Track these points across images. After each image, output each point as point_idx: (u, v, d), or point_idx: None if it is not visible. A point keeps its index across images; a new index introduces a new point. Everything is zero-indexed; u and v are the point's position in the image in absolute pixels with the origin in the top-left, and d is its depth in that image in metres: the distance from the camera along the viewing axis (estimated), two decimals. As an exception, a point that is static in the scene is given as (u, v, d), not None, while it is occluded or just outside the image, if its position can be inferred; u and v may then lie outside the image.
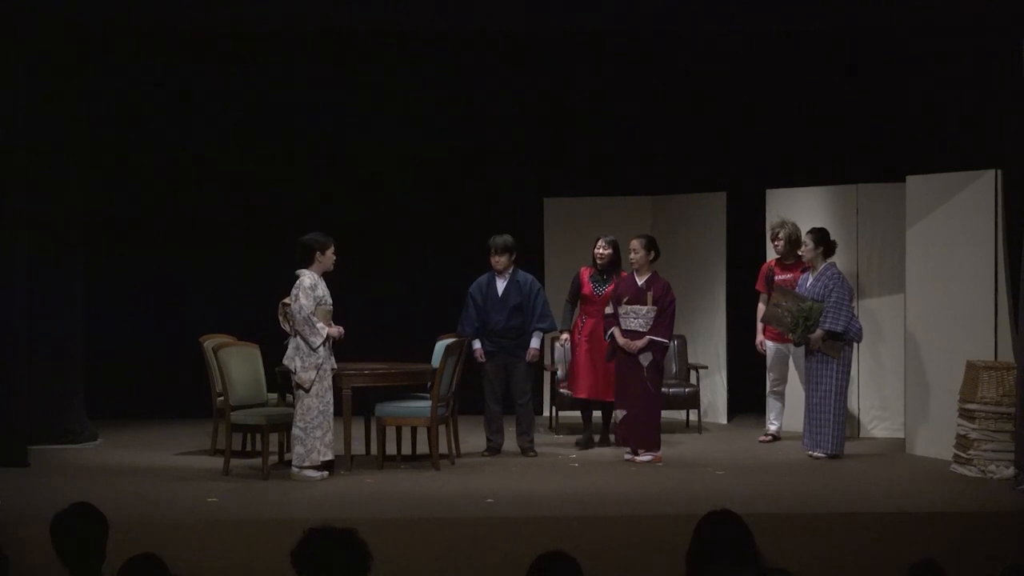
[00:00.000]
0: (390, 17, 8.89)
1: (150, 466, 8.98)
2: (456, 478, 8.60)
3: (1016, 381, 8.32)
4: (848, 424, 9.83)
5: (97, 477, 8.50)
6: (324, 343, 8.37)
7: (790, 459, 9.39)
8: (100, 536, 4.17)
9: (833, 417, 9.30)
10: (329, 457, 8.47)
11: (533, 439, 9.66)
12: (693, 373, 11.07)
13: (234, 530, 7.00)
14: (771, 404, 10.34)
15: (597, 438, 10.01)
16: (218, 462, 8.80)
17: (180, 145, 11.65)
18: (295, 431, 8.40)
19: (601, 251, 9.90)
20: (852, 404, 10.22)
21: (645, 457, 9.19)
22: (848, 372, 9.47)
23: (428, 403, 8.90)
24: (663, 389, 9.69)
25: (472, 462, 9.25)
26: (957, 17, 8.76)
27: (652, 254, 9.35)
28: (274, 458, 8.95)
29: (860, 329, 9.48)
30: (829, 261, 9.54)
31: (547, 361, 10.81)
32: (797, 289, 9.64)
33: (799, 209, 10.54)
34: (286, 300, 8.50)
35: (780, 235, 10.16)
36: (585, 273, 10.02)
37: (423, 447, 9.23)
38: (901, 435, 9.85)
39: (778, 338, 10.02)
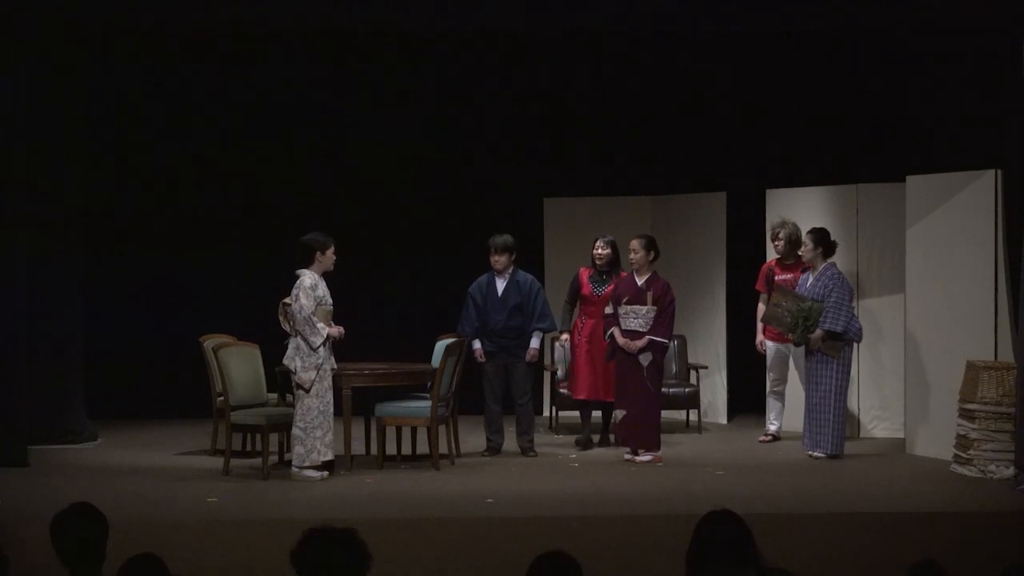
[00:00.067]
0: (390, 17, 8.89)
1: (150, 466, 8.98)
2: (456, 478, 8.60)
3: (1016, 381, 8.32)
4: (848, 424, 9.83)
5: (97, 477, 8.50)
6: (324, 343, 8.38)
7: (790, 459, 9.39)
8: (100, 536, 4.17)
9: (833, 417, 9.30)
10: (329, 457, 8.47)
11: (533, 439, 9.66)
12: (693, 373, 11.07)
13: (234, 530, 7.00)
14: (771, 404, 10.34)
15: (597, 438, 10.01)
16: (218, 462, 8.80)
17: (180, 145, 11.65)
18: (295, 431, 8.40)
19: (599, 251, 9.90)
20: (852, 404, 10.22)
21: (645, 457, 9.19)
22: (848, 372, 9.47)
23: (428, 403, 8.90)
24: (663, 389, 9.69)
25: (472, 462, 9.25)
26: (957, 17, 8.75)
27: (652, 254, 9.35)
28: (274, 458, 8.95)
29: (860, 329, 9.48)
30: (829, 261, 9.54)
31: (547, 361, 10.82)
32: (797, 289, 9.64)
33: (799, 209, 10.55)
34: (286, 300, 8.50)
35: (780, 235, 10.16)
36: (584, 274, 10.02)
37: (423, 447, 9.23)
38: (901, 435, 9.85)
39: (778, 338, 10.02)
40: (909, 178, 9.64)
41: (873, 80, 11.07)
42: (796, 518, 7.25)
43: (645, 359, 9.18)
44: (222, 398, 8.86)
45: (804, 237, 9.70)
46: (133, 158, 11.63)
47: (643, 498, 7.91)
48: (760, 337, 10.29)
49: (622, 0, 8.86)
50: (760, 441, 10.19)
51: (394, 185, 11.92)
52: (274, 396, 9.25)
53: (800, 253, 9.80)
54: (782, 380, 10.27)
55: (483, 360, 9.57)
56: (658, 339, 9.18)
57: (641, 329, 9.18)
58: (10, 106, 8.87)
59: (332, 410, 8.48)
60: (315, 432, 8.36)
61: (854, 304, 9.82)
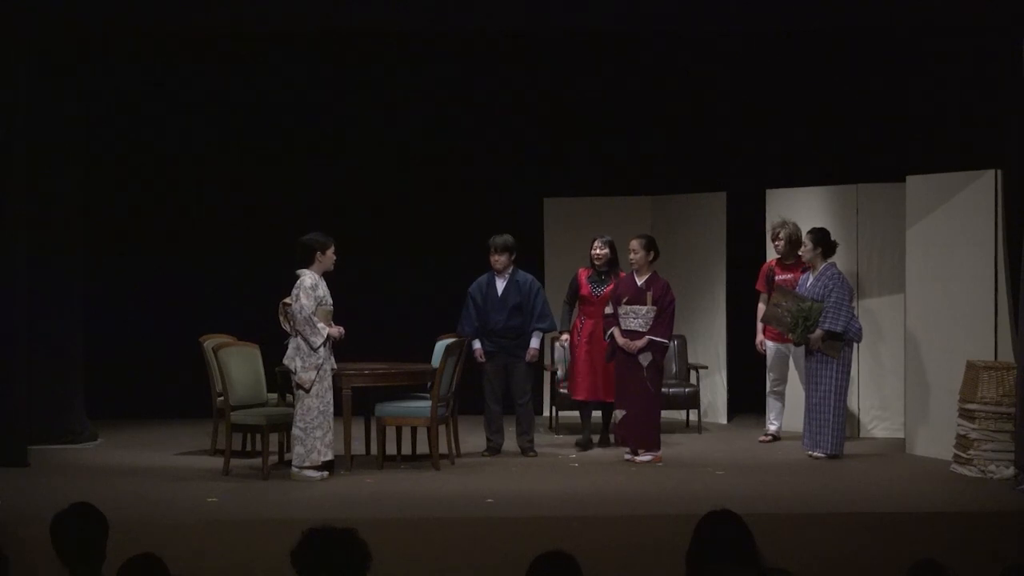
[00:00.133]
0: (390, 17, 8.89)
1: (150, 466, 8.98)
2: (456, 478, 8.59)
3: (1016, 381, 8.32)
4: (848, 424, 9.83)
5: (97, 477, 8.50)
6: (325, 343, 8.37)
7: (790, 459, 9.39)
8: (100, 536, 4.17)
9: (833, 417, 9.30)
10: (329, 457, 8.47)
11: (533, 439, 9.66)
12: (693, 373, 11.07)
13: (234, 530, 7.00)
14: (771, 404, 10.34)
15: (596, 438, 10.01)
16: (218, 462, 8.80)
17: (180, 145, 11.65)
18: (295, 431, 8.40)
19: (598, 251, 9.90)
20: (852, 404, 10.22)
21: (645, 457, 9.19)
22: (848, 372, 9.47)
23: (428, 403, 8.90)
24: (663, 389, 9.69)
25: (472, 462, 9.25)
26: (957, 17, 8.75)
27: (652, 254, 9.35)
28: (274, 458, 8.95)
29: (860, 329, 9.48)
30: (829, 261, 9.54)
31: (547, 361, 10.82)
32: (797, 289, 9.64)
33: (799, 209, 10.54)
34: (287, 300, 8.50)
35: (780, 235, 10.16)
36: (583, 274, 10.02)
37: (423, 447, 9.23)
38: (901, 435, 9.85)
39: (778, 338, 10.02)
40: (909, 178, 9.64)
41: (873, 80, 11.07)
42: (796, 518, 7.24)
43: (645, 359, 9.17)
44: (222, 398, 8.86)
45: (804, 237, 9.70)
46: (133, 158, 11.62)
47: (643, 498, 7.91)
48: (760, 337, 10.29)
49: (622, 0, 8.87)
50: (760, 441, 10.19)
51: (394, 185, 11.92)
52: (274, 396, 9.25)
53: (800, 253, 9.80)
54: (782, 380, 10.27)
55: (483, 360, 9.57)
56: (658, 339, 9.18)
57: (641, 329, 9.18)
58: (10, 106, 8.86)
59: (332, 410, 8.48)
60: (315, 432, 8.36)
61: (854, 304, 9.82)
